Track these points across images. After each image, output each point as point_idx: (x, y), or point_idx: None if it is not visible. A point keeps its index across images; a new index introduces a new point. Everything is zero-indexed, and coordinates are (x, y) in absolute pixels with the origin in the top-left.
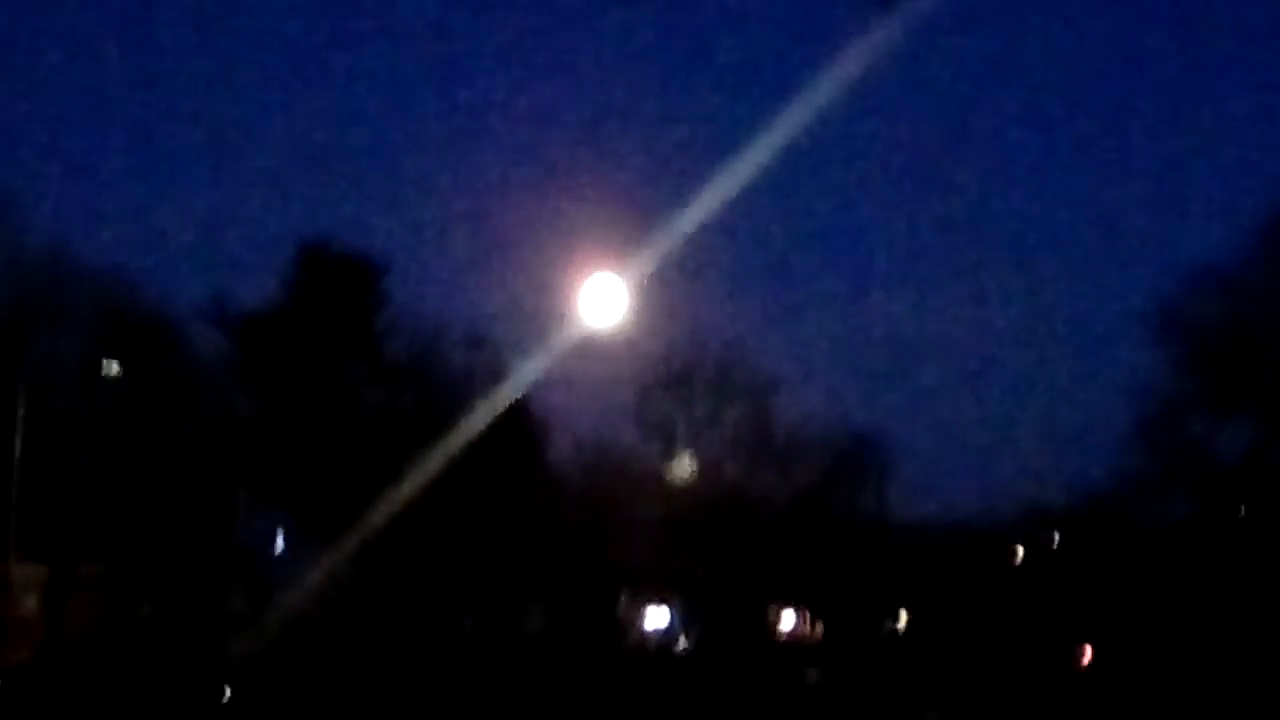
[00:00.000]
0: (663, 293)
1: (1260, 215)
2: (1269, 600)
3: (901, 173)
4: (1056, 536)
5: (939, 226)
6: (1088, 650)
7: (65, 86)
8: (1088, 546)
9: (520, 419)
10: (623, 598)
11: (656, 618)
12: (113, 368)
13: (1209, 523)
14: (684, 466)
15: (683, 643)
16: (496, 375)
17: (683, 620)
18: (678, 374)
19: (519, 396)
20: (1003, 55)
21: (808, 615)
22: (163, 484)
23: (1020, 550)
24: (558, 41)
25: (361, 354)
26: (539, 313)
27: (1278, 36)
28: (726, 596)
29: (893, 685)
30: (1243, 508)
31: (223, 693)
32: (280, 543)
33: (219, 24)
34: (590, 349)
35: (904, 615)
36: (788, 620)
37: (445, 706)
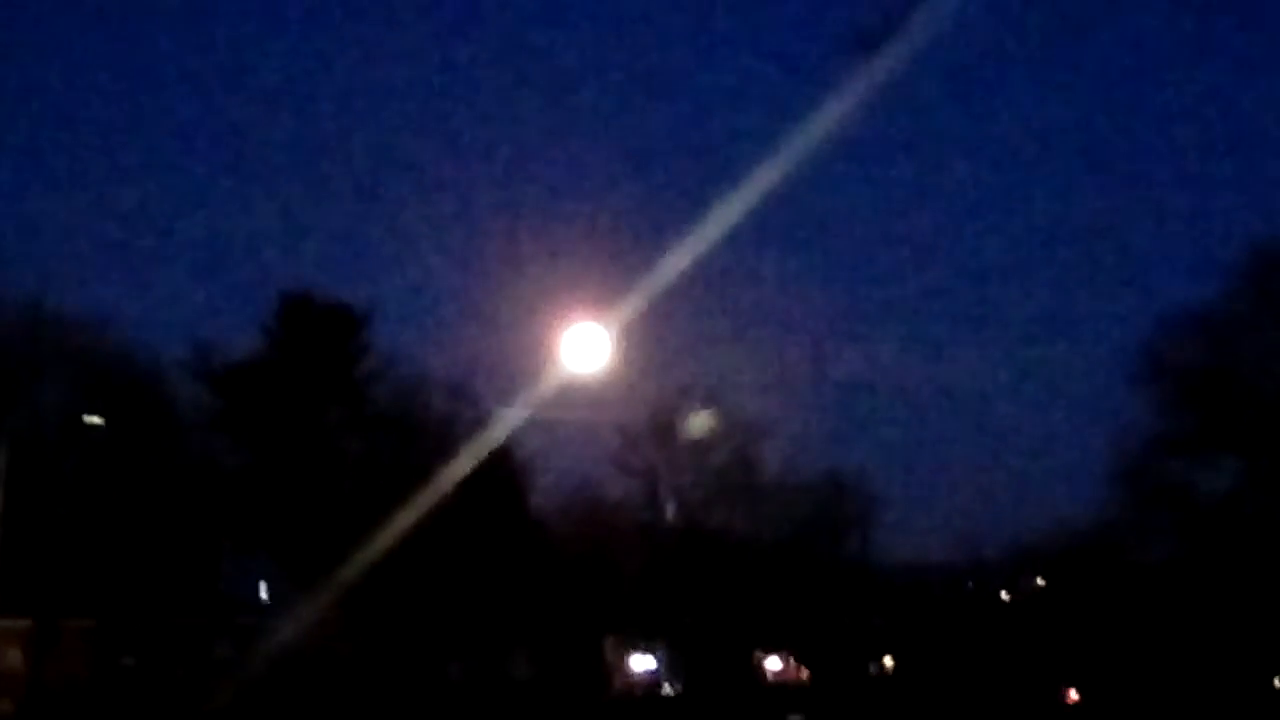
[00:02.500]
0: (645, 340)
1: (1239, 257)
2: (1251, 638)
3: (883, 220)
4: (1040, 579)
5: (921, 273)
6: (1073, 692)
7: (47, 138)
8: (1072, 587)
9: (503, 466)
10: (608, 643)
11: (643, 662)
12: (94, 421)
13: (1191, 562)
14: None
15: (668, 687)
16: (479, 423)
17: (669, 664)
18: (661, 421)
19: (502, 444)
20: (984, 100)
21: (793, 659)
22: (146, 535)
23: (1004, 592)
24: (542, 94)
25: (344, 402)
26: (521, 360)
27: (1258, 80)
28: (712, 641)
29: None
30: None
31: None
32: (264, 591)
33: (202, 75)
34: (573, 396)
35: (889, 658)
36: (773, 664)
37: None
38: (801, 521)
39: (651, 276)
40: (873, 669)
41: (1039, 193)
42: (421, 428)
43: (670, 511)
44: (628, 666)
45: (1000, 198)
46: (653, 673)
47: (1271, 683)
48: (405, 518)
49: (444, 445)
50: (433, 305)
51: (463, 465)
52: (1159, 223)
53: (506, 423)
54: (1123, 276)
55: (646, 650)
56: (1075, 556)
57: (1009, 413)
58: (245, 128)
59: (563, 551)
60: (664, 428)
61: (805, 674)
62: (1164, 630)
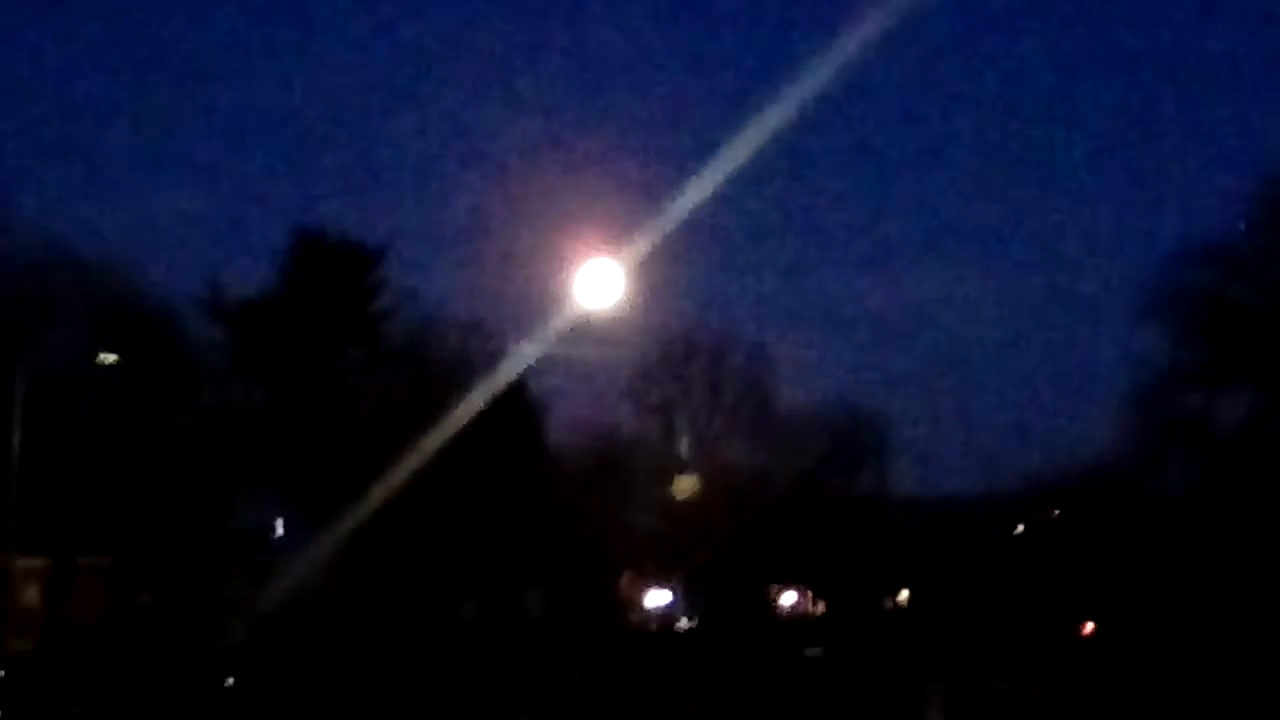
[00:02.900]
0: (659, 275)
1: (1253, 188)
2: (1268, 569)
3: (898, 151)
4: (1055, 511)
5: (936, 205)
6: (1089, 624)
7: (58, 79)
8: (1087, 520)
9: (518, 403)
10: (624, 579)
11: (659, 598)
12: (109, 359)
13: (1207, 494)
14: (687, 484)
15: (684, 622)
16: (494, 359)
17: (685, 600)
18: (675, 356)
19: (516, 380)
20: (996, 36)
21: (809, 594)
22: (162, 473)
23: (1019, 525)
24: (554, 28)
25: (358, 340)
26: (536, 296)
27: (1269, 14)
28: (728, 576)
29: (894, 660)
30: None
31: (224, 679)
32: (279, 529)
33: (214, 14)
34: (587, 332)
35: (905, 592)
36: (789, 599)
37: (447, 691)
38: (816, 455)
39: (665, 212)
40: (888, 603)
41: (1054, 123)
42: (436, 365)
43: (685, 447)
44: (643, 603)
45: (1016, 129)
46: (668, 608)
47: None
48: (420, 455)
49: (458, 382)
50: (447, 242)
51: (477, 402)
52: (1175, 154)
53: (521, 359)
54: (1138, 207)
55: (662, 586)
56: (1090, 489)
57: (1024, 345)
58: (257, 65)
59: (577, 488)
60: (679, 363)
61: (821, 608)
62: (1179, 563)
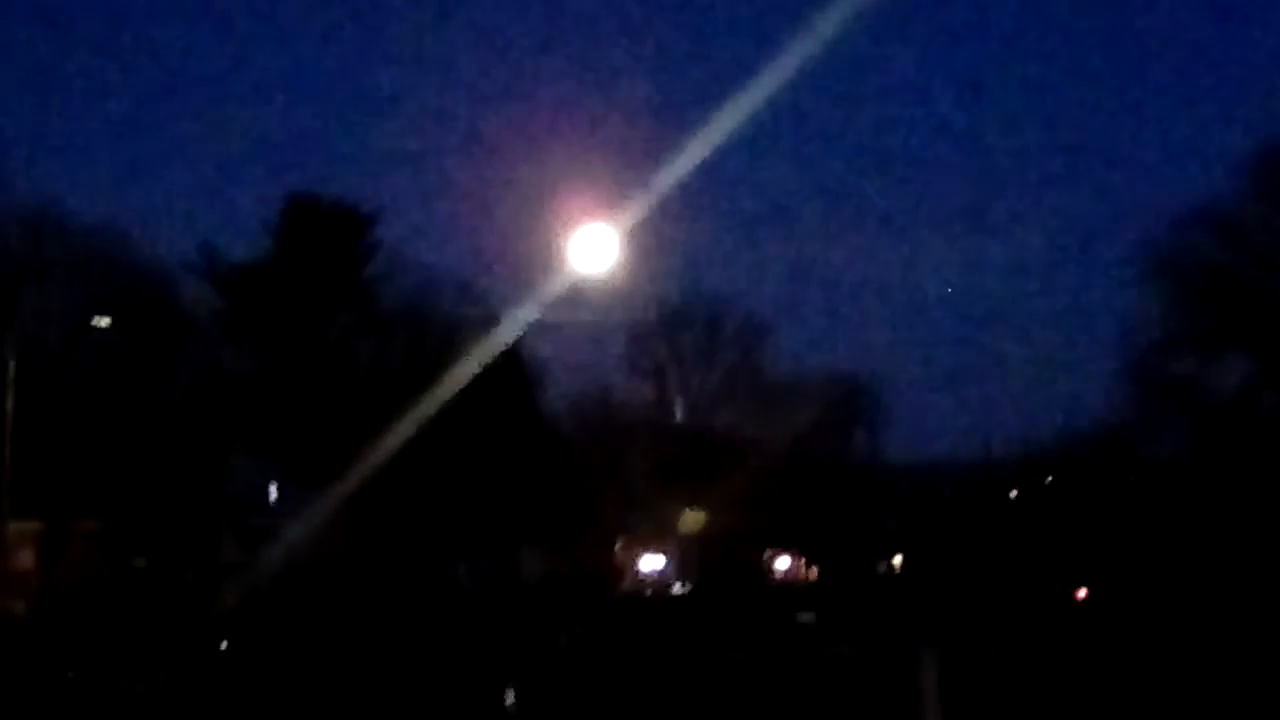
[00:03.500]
0: (654, 240)
1: (1250, 154)
2: (1261, 535)
3: (893, 116)
4: (1049, 477)
5: (931, 169)
6: (1083, 589)
7: (51, 43)
8: (1081, 485)
9: (512, 367)
10: (619, 543)
11: (653, 562)
12: (102, 322)
13: (1201, 460)
14: (694, 519)
15: (678, 587)
16: (488, 324)
17: (679, 564)
18: (669, 320)
19: (511, 344)
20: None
21: (802, 559)
22: (155, 437)
23: (1013, 491)
24: None
25: (352, 304)
26: (530, 260)
27: None
28: (721, 541)
29: (886, 625)
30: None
31: (219, 643)
32: (273, 493)
33: None
34: (582, 296)
35: (898, 557)
36: (782, 564)
37: (441, 655)
38: (810, 421)
39: (659, 176)
40: (881, 567)
41: (1048, 89)
42: (429, 329)
43: (679, 411)
44: (638, 567)
45: (1009, 95)
46: (663, 573)
47: None
48: (414, 419)
49: (452, 346)
50: (441, 206)
51: (471, 366)
52: (1170, 118)
53: (515, 323)
54: (1133, 173)
55: (656, 551)
56: (1085, 454)
57: (1019, 310)
58: (251, 29)
59: (572, 452)
60: (673, 327)
61: (813, 573)
62: (1173, 529)
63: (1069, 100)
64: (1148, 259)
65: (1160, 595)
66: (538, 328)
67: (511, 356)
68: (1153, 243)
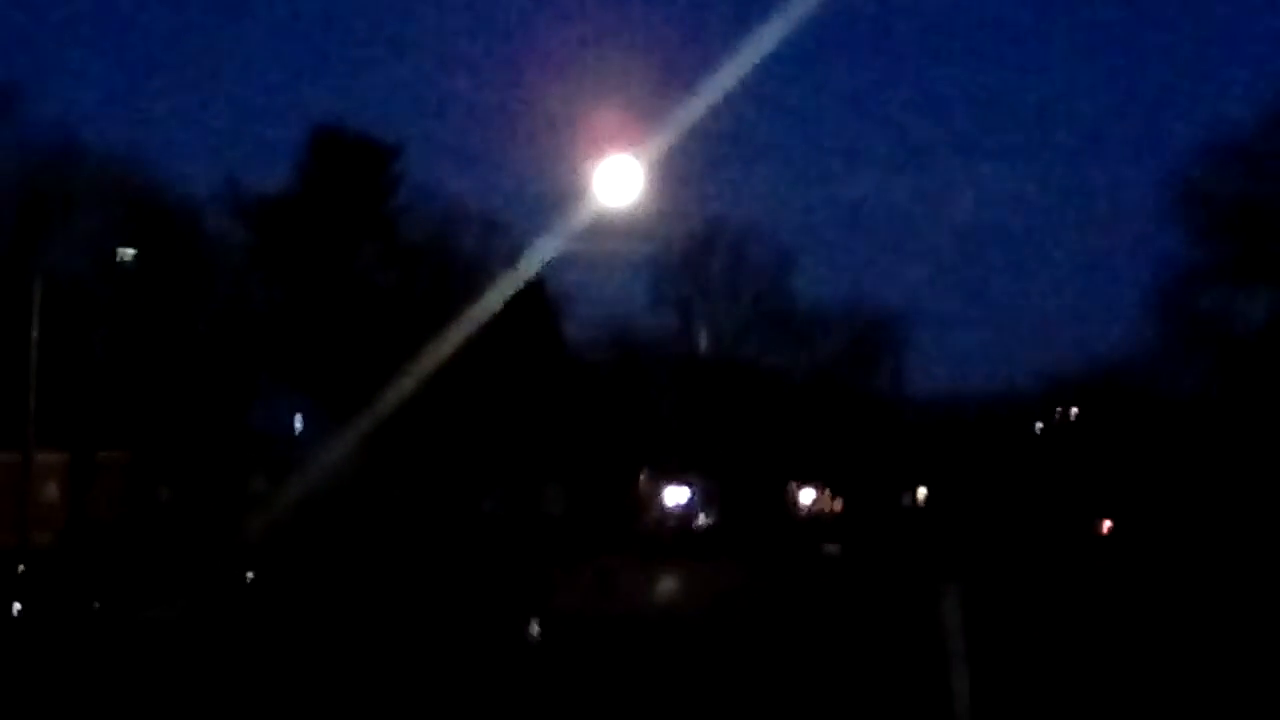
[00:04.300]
0: (679, 171)
1: (1275, 89)
2: None
3: (917, 48)
4: (1074, 410)
5: (956, 102)
6: (1106, 522)
7: None
8: (1106, 419)
9: (537, 299)
10: (643, 476)
11: (677, 495)
12: (128, 254)
13: (1227, 394)
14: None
15: (702, 519)
16: (512, 256)
17: (703, 498)
18: (694, 252)
19: (535, 277)
20: None
21: (827, 491)
22: (180, 369)
23: (1038, 424)
24: None
25: (376, 236)
26: (554, 193)
27: None
28: (746, 474)
29: (910, 559)
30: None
31: (244, 574)
32: (299, 425)
33: None
34: (606, 229)
35: (922, 490)
36: (807, 497)
37: (465, 587)
38: (834, 353)
39: (684, 107)
40: (906, 500)
41: (1074, 24)
42: (454, 261)
43: (704, 344)
44: (662, 500)
45: (1036, 28)
46: (687, 506)
47: None
48: (438, 351)
49: (477, 278)
50: (464, 138)
51: (496, 298)
52: (1197, 55)
53: (539, 256)
54: (1160, 107)
55: (681, 484)
56: (1110, 388)
57: (1044, 244)
58: None
59: (597, 385)
60: (697, 260)
61: (839, 506)
62: (1198, 462)
63: (1094, 34)
64: (1172, 192)
65: (1183, 529)
66: (562, 260)
67: (536, 288)
68: (1180, 174)
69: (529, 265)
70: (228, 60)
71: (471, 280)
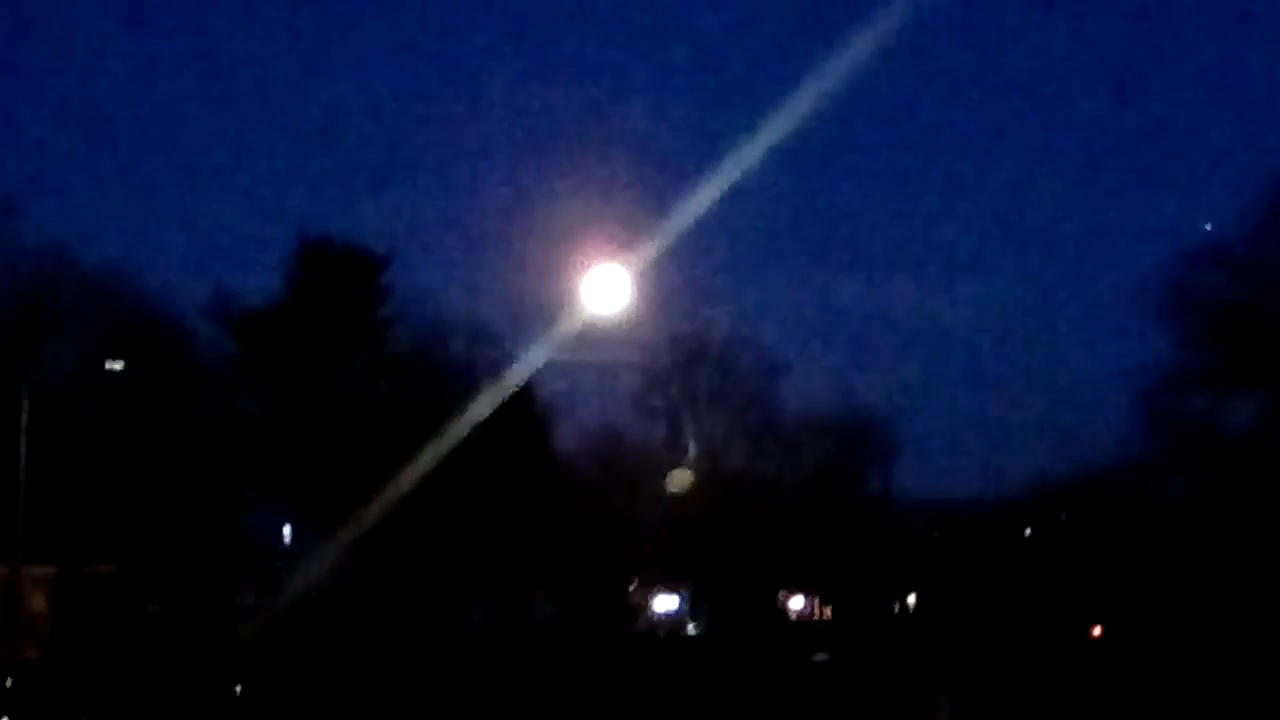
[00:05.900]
0: (666, 280)
1: (1263, 191)
2: (1274, 574)
3: (903, 157)
4: (1063, 515)
5: (942, 209)
6: (1097, 627)
7: (61, 88)
8: (1094, 524)
9: (525, 408)
10: (632, 584)
11: (667, 603)
12: (116, 366)
13: (1214, 498)
14: (682, 478)
15: (692, 627)
16: (500, 365)
17: (693, 605)
18: (682, 360)
19: (523, 386)
20: (1002, 39)
21: (816, 599)
22: (169, 481)
23: (1027, 529)
24: (558, 34)
25: (364, 346)
26: (542, 302)
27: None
28: (735, 581)
29: (901, 666)
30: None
31: (233, 686)
32: (287, 536)
33: (216, 22)
34: (594, 338)
35: (912, 596)
36: (797, 604)
37: (456, 697)
38: (823, 461)
39: (671, 217)
40: (896, 607)
41: (1061, 127)
42: (442, 371)
43: (692, 453)
44: (652, 607)
45: (1021, 133)
46: (676, 613)
47: None
48: (427, 461)
49: (465, 388)
50: (453, 248)
51: (484, 408)
52: (1183, 157)
53: (528, 365)
54: (1146, 210)
55: (670, 591)
56: (1098, 492)
57: (1031, 348)
58: (262, 73)
59: (585, 494)
60: (685, 368)
61: (828, 613)
62: (1187, 567)
63: (1079, 136)
64: (1158, 295)
65: (1174, 633)
66: (550, 368)
67: (524, 397)
68: (1164, 279)
69: (517, 374)
70: (216, 172)
71: (460, 390)
